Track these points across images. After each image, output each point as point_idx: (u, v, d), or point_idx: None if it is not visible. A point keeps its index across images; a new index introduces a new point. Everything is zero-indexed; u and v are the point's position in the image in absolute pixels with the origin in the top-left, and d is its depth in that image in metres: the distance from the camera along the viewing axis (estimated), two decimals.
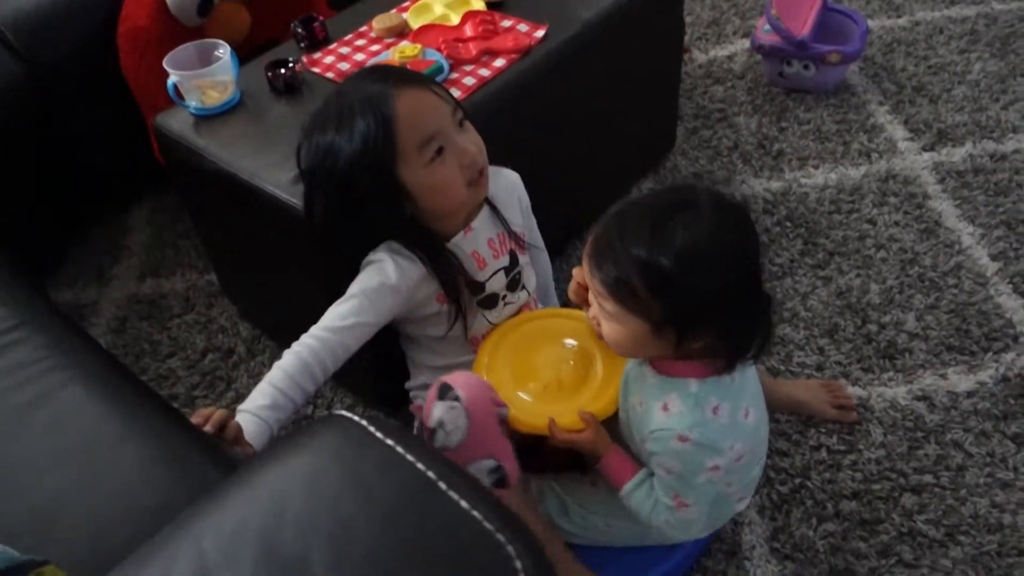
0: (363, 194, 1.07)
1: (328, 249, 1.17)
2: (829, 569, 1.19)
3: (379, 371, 1.33)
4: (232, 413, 1.01)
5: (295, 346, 1.09)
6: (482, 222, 1.18)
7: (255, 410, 1.03)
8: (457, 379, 1.04)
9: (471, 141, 1.11)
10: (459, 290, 1.15)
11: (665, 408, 0.98)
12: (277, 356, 1.11)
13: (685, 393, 0.98)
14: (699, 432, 0.96)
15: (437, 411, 1.00)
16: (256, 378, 1.51)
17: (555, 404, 1.12)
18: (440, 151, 1.07)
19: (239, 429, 0.99)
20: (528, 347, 1.19)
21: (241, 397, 1.49)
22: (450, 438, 1.00)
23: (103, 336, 1.66)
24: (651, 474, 1.06)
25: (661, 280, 0.90)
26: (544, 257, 1.36)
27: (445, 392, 1.02)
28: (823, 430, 1.35)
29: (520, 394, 1.14)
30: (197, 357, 1.60)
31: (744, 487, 1.11)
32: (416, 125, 1.05)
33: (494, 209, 1.21)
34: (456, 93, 1.24)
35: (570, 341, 1.20)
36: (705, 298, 0.91)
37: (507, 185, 1.25)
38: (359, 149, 1.05)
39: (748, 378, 1.03)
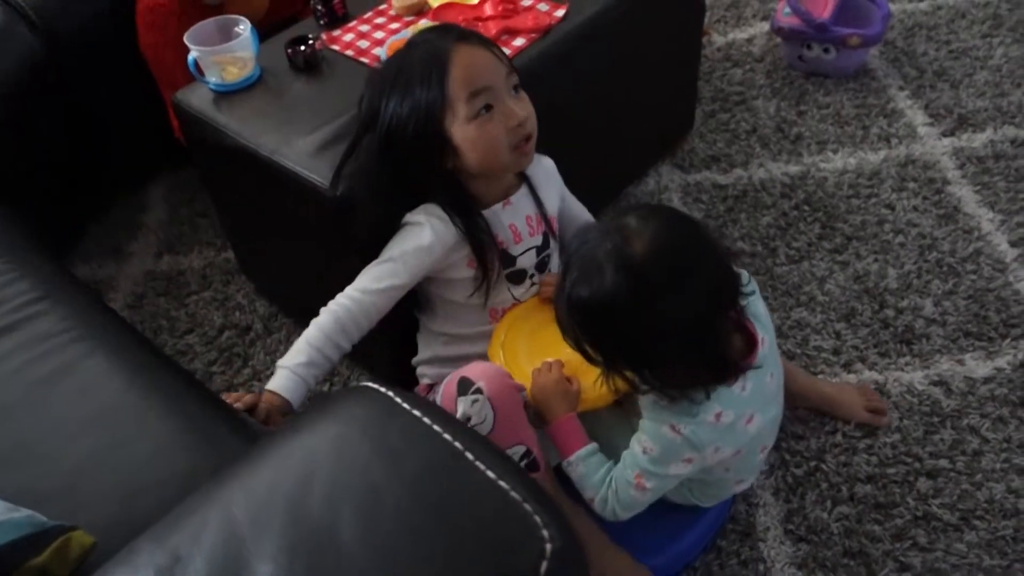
0: (408, 143, 1.09)
1: (348, 222, 1.17)
2: (843, 551, 1.19)
3: (394, 349, 1.33)
4: (260, 395, 1.05)
5: (331, 305, 1.12)
6: (521, 198, 1.21)
7: (293, 367, 1.08)
8: (474, 370, 1.04)
9: (522, 107, 1.12)
10: (488, 255, 1.16)
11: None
12: (294, 334, 1.12)
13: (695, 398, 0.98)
14: (691, 430, 0.97)
15: (461, 407, 1.00)
16: (273, 355, 1.53)
17: None
18: (488, 108, 1.08)
19: (267, 412, 1.02)
20: (547, 327, 1.18)
21: (258, 374, 1.51)
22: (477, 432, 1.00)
23: (121, 312, 1.67)
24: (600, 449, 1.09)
25: (576, 317, 0.94)
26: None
27: (466, 387, 1.02)
28: None
29: (531, 370, 1.14)
30: (214, 334, 1.60)
31: (745, 472, 1.12)
32: (467, 77, 1.07)
33: (532, 189, 1.22)
34: None
35: None
36: (606, 348, 0.95)
37: (545, 170, 1.26)
38: (410, 96, 1.08)
39: (763, 384, 1.02)
